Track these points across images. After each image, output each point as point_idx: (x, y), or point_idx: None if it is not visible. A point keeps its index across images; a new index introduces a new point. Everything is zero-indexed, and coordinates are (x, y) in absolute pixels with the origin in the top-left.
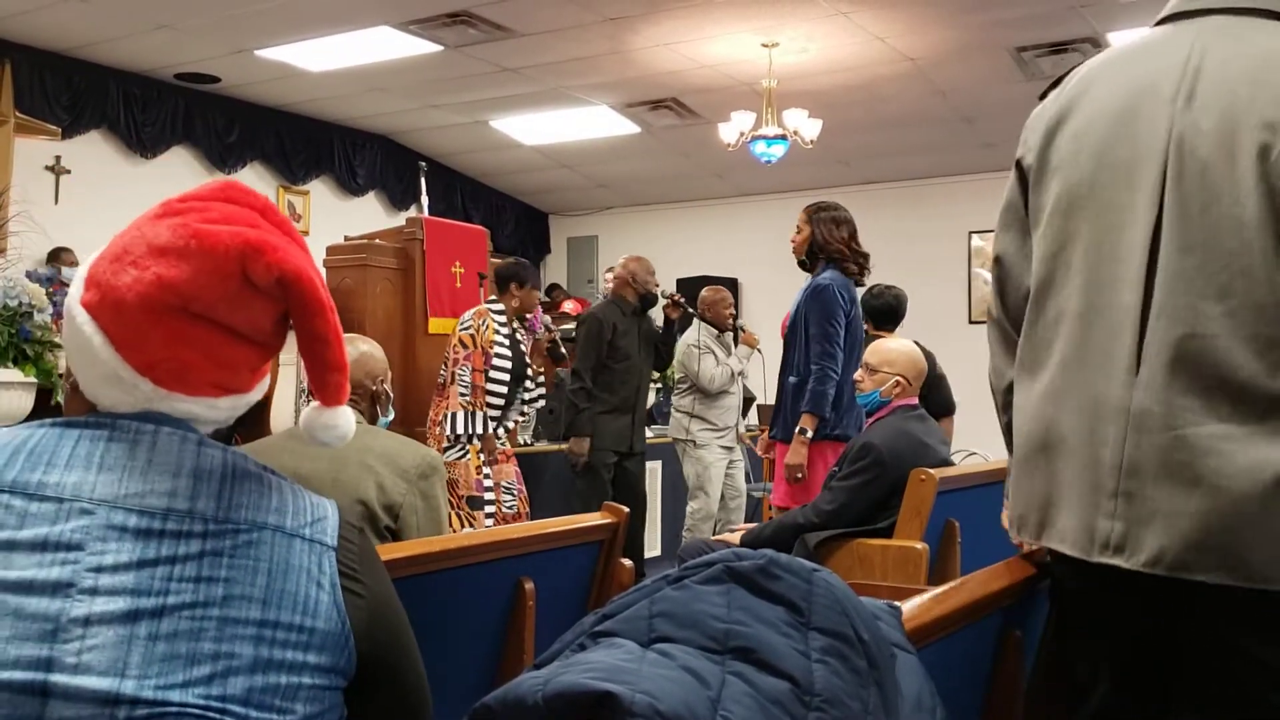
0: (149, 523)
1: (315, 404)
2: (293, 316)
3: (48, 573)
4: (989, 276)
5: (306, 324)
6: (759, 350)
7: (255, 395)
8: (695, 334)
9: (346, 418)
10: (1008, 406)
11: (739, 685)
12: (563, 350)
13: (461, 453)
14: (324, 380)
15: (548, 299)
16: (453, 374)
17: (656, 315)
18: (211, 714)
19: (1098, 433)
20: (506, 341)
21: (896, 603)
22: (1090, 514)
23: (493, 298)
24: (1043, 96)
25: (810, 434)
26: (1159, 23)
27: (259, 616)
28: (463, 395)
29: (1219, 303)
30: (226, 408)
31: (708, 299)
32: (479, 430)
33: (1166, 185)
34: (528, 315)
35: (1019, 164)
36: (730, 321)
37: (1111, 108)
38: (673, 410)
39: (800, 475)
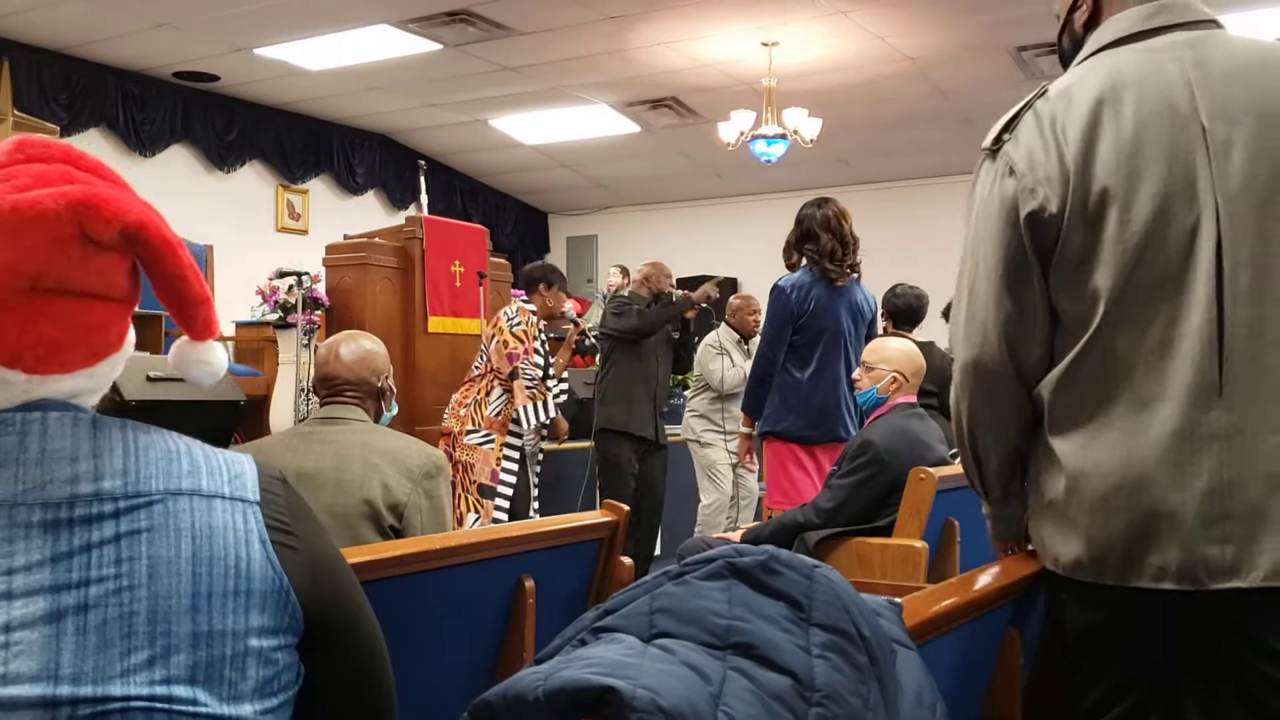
0: (55, 514)
1: (184, 339)
2: (143, 263)
3: None
4: None
5: (160, 267)
6: None
7: (128, 351)
8: (717, 336)
9: (217, 352)
10: (1009, 466)
11: (740, 681)
12: (590, 342)
13: (486, 439)
14: (191, 315)
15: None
16: (515, 369)
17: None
18: (157, 703)
19: (1192, 463)
20: (538, 342)
21: (897, 599)
22: (1198, 545)
23: (524, 297)
24: (997, 144)
25: (744, 429)
26: (1117, 43)
27: (190, 589)
28: (529, 388)
29: None
30: (104, 374)
31: (735, 305)
32: (551, 416)
33: (1219, 205)
34: (563, 314)
35: (1032, 216)
36: (754, 328)
37: (1137, 136)
38: (686, 410)
39: (747, 466)
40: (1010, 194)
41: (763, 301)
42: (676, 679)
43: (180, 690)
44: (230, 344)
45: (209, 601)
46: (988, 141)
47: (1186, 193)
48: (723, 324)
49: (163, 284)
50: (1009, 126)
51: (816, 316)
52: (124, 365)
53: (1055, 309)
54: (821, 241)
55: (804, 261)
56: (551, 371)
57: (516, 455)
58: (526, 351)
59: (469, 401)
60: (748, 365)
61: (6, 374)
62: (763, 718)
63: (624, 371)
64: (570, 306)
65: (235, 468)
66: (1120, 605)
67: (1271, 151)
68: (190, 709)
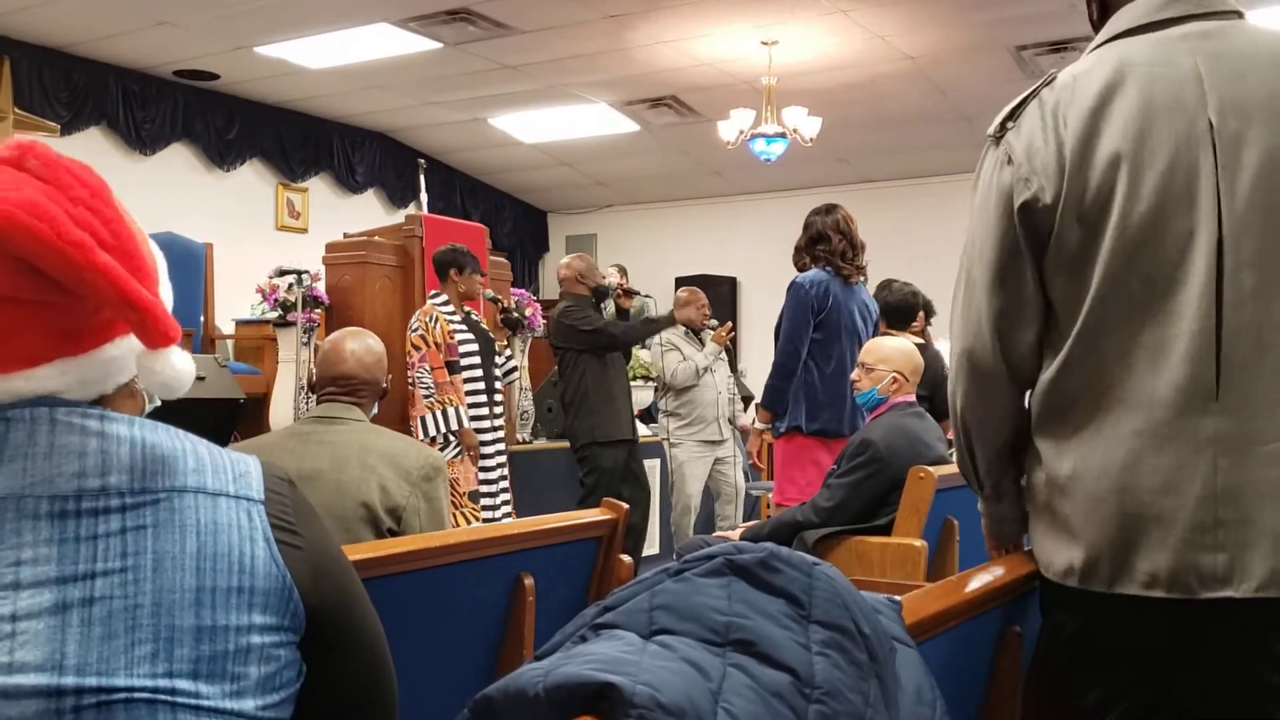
0: (62, 507)
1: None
2: (32, 263)
3: None
4: None
5: (45, 265)
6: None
7: (97, 354)
8: (667, 333)
9: (168, 361)
10: (998, 463)
11: (740, 677)
12: (516, 316)
13: (456, 451)
14: (130, 320)
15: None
16: (414, 379)
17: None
18: (160, 695)
19: (1186, 467)
20: (464, 326)
21: (897, 597)
22: (1190, 552)
23: (434, 292)
24: (1000, 130)
25: (761, 427)
26: (1129, 33)
27: (195, 584)
28: (427, 397)
29: None
30: (51, 375)
31: (682, 299)
32: (454, 427)
33: (1222, 204)
34: (472, 303)
35: (1026, 207)
36: (703, 322)
37: (1140, 130)
38: (659, 411)
39: (755, 463)
40: (1007, 183)
41: (762, 301)
42: (676, 675)
43: (183, 683)
44: (230, 342)
45: (212, 596)
46: (992, 128)
47: (1187, 191)
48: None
49: (71, 286)
50: (1013, 114)
51: (834, 312)
52: (135, 364)
53: (1050, 303)
54: (833, 243)
55: (814, 262)
56: (496, 348)
57: (489, 450)
58: (422, 359)
59: (417, 419)
60: (699, 357)
61: None
62: (763, 714)
63: (599, 378)
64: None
65: (240, 467)
66: (1113, 613)
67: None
68: (193, 701)
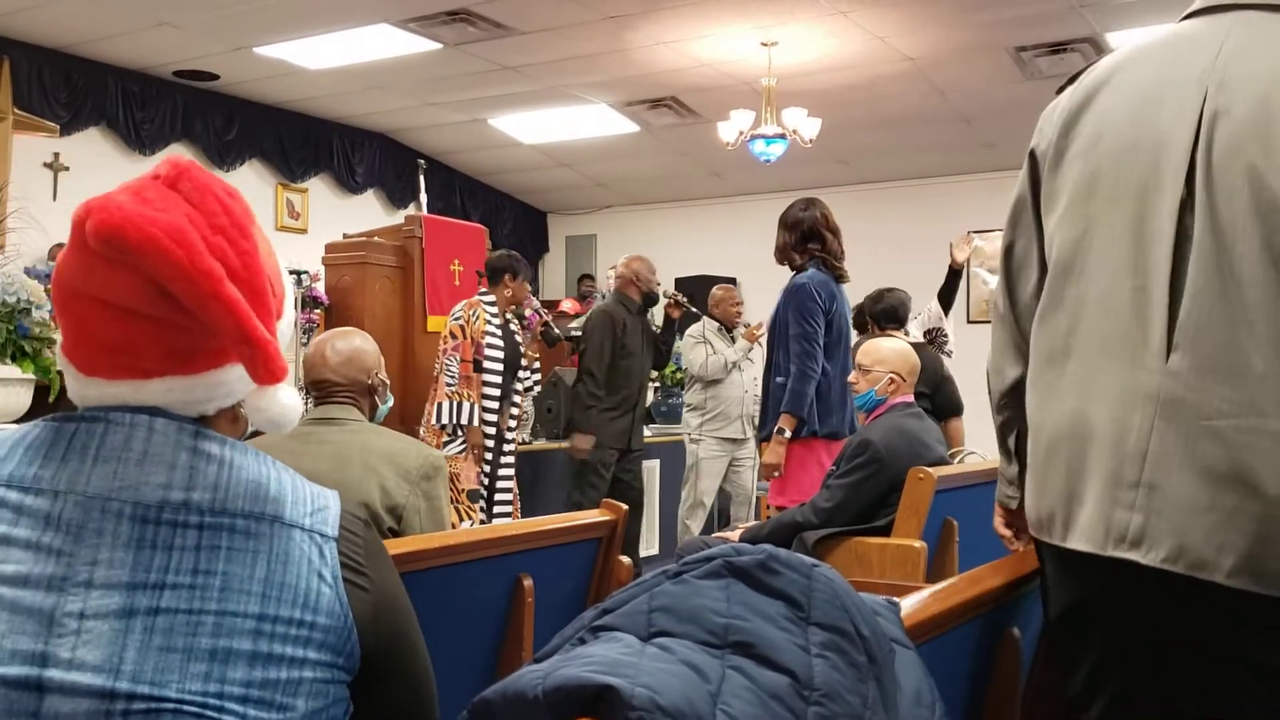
0: (144, 514)
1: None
2: (161, 282)
3: (43, 567)
4: (988, 276)
5: (174, 288)
6: (760, 344)
7: (207, 377)
8: (699, 327)
9: (275, 399)
10: (1005, 406)
11: (738, 679)
12: (556, 332)
13: (462, 447)
14: (240, 354)
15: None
16: (442, 364)
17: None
18: (209, 712)
19: (1123, 421)
20: (499, 332)
21: (895, 599)
22: (1108, 506)
23: (484, 289)
24: (1059, 92)
25: (788, 434)
26: (1184, 18)
27: (258, 610)
28: (449, 385)
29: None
30: (202, 389)
31: (717, 296)
32: (464, 421)
33: (1196, 168)
34: (523, 307)
35: (1032, 154)
36: (736, 319)
37: (1136, 94)
38: (683, 407)
39: (778, 473)
40: (1035, 139)
41: (762, 301)
42: (675, 677)
43: (232, 705)
44: None
45: (273, 625)
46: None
47: (1159, 155)
48: (704, 316)
49: (195, 312)
50: (1072, 80)
51: (839, 314)
52: (249, 392)
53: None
54: (828, 241)
55: (806, 260)
56: (524, 362)
57: (493, 457)
58: (457, 348)
59: (435, 405)
60: (729, 352)
61: (86, 379)
62: (761, 716)
63: (612, 386)
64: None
65: (320, 501)
66: (1066, 567)
67: (1270, 125)
68: None
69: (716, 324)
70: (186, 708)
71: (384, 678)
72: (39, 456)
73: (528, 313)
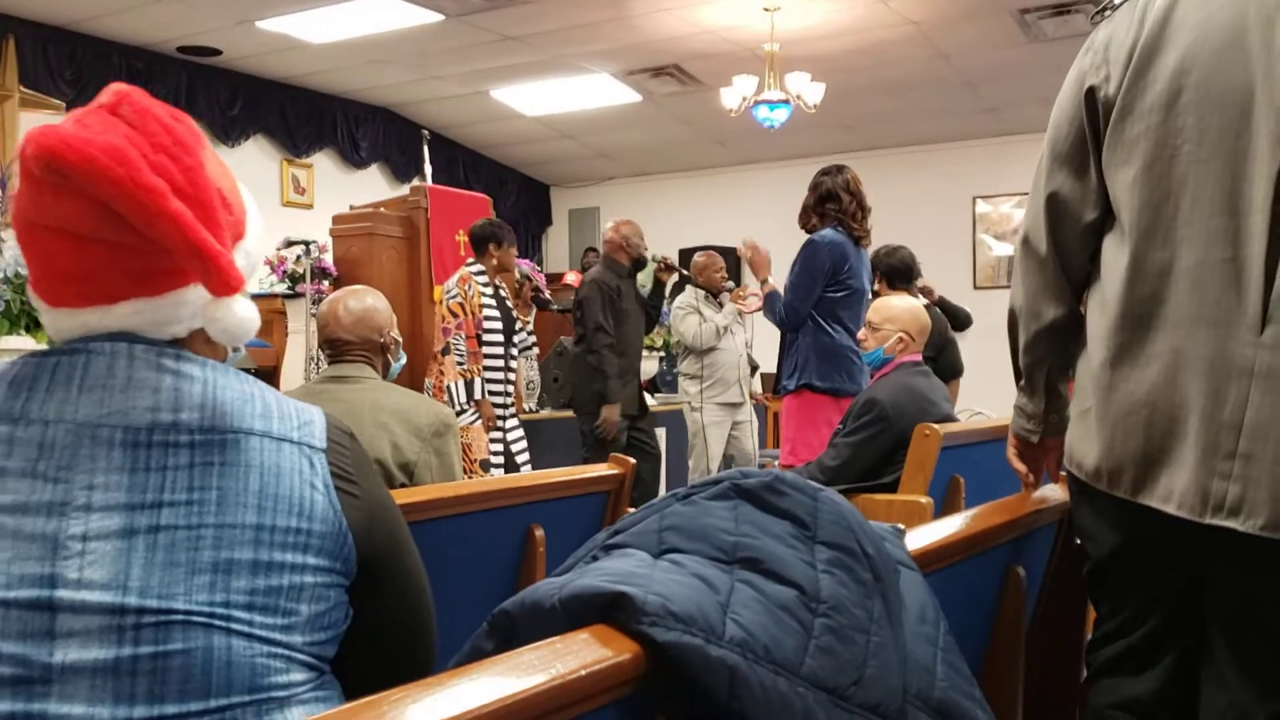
0: (135, 437)
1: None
2: (112, 205)
3: (41, 494)
4: (994, 243)
5: (122, 208)
6: (745, 306)
7: (171, 297)
8: (687, 297)
9: (232, 309)
10: (1039, 345)
11: (747, 591)
12: (547, 295)
13: (474, 417)
14: (195, 268)
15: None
16: (447, 344)
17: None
18: (216, 620)
19: (1219, 392)
20: (494, 301)
21: (900, 524)
22: (1205, 475)
23: (471, 260)
24: (1095, 17)
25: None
26: None
27: (255, 521)
28: (460, 364)
29: None
30: (126, 313)
31: (700, 264)
32: (477, 396)
33: None
34: (513, 272)
35: (1092, 92)
36: (722, 284)
37: (1214, 44)
38: (678, 377)
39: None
40: (1083, 70)
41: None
42: (686, 587)
43: (238, 613)
44: None
45: (271, 534)
46: (1093, 13)
47: (1251, 119)
48: (688, 285)
49: (142, 230)
50: (1112, 3)
51: (850, 273)
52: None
53: (1109, 200)
54: (844, 202)
55: (824, 221)
56: (517, 326)
57: (505, 423)
58: (460, 325)
59: (444, 388)
60: (719, 318)
61: (56, 311)
62: (770, 625)
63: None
64: (527, 266)
65: (305, 416)
66: (1134, 521)
67: None
68: (246, 629)
69: (703, 292)
70: (195, 618)
71: (379, 582)
72: (24, 389)
73: (528, 269)
